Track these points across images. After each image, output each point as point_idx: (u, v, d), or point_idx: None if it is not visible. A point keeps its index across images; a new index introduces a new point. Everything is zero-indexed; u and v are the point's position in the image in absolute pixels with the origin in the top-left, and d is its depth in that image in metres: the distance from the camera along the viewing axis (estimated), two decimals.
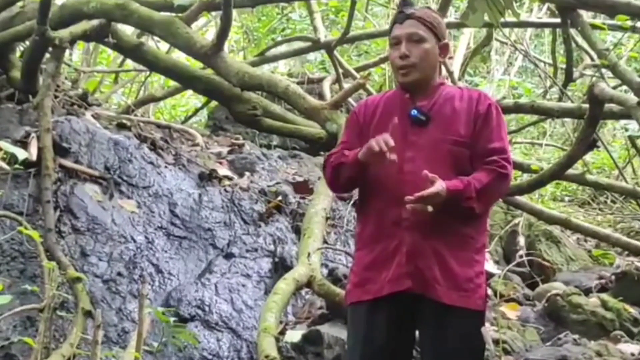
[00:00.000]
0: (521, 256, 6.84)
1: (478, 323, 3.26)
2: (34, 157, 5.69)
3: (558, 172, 5.99)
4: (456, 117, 3.27)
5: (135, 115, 8.48)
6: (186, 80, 7.47)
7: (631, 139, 8.97)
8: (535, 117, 9.40)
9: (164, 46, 9.54)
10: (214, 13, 9.45)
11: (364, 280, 3.29)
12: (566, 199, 10.09)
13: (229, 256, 5.98)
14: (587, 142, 5.44)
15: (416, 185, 3.14)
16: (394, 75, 3.51)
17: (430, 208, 3.07)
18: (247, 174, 7.02)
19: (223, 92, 7.05)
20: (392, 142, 3.09)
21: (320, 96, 8.66)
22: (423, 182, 3.11)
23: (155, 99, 10.19)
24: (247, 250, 6.06)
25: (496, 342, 4.71)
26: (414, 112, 3.28)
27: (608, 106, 5.40)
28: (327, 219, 5.75)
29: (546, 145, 10.62)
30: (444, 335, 3.18)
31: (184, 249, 5.95)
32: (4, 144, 5.17)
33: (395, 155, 3.11)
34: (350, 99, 7.59)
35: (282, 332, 4.96)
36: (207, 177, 6.55)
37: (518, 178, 8.46)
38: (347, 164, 3.29)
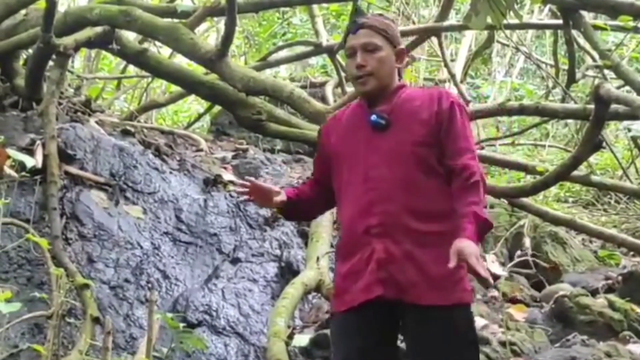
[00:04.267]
0: (519, 256, 6.85)
1: (465, 316, 3.23)
2: (39, 165, 5.69)
3: (563, 174, 5.99)
4: (416, 117, 3.28)
5: (139, 121, 8.49)
6: (190, 85, 7.46)
7: (634, 139, 8.96)
8: (537, 119, 9.39)
9: (165, 52, 9.53)
10: (216, 18, 9.45)
11: (341, 290, 3.31)
12: (570, 200, 10.08)
13: (235, 261, 5.98)
14: (592, 143, 5.43)
15: (382, 190, 3.20)
16: (353, 86, 3.54)
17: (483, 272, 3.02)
18: (252, 178, 7.01)
19: (227, 97, 7.04)
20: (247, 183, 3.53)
21: (323, 100, 8.66)
22: (391, 186, 3.18)
23: (158, 105, 10.19)
24: (253, 255, 6.06)
25: (504, 344, 4.72)
26: (373, 117, 3.30)
27: (613, 107, 5.38)
28: (334, 222, 5.75)
29: (549, 146, 10.61)
30: (428, 336, 3.16)
31: (190, 254, 5.95)
32: (11, 152, 5.17)
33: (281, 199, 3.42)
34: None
35: (290, 336, 4.96)
36: (212, 182, 6.55)
37: (522, 180, 8.47)
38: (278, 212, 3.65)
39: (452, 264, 3.00)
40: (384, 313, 3.21)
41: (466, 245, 3.01)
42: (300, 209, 3.59)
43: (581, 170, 7.16)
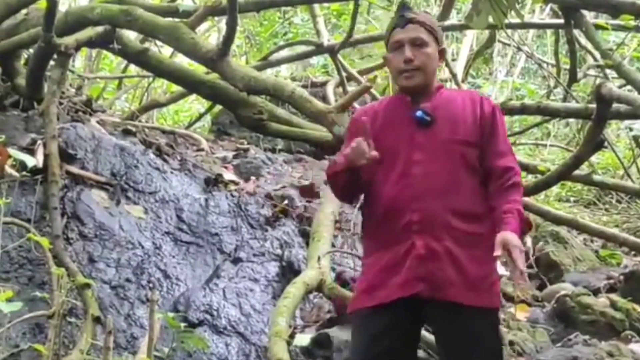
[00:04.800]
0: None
1: (494, 321, 3.29)
2: (40, 164, 5.69)
3: (565, 173, 5.99)
4: (461, 118, 3.31)
5: (140, 121, 8.49)
6: (191, 85, 7.46)
7: (636, 138, 8.96)
8: (538, 118, 9.39)
9: (166, 52, 9.53)
10: (217, 18, 9.45)
11: (372, 286, 3.27)
12: (571, 199, 10.07)
13: (236, 261, 5.97)
14: (594, 142, 5.44)
15: (426, 186, 3.18)
16: (394, 80, 3.53)
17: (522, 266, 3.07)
18: (253, 178, 7.03)
19: (229, 97, 7.03)
20: (364, 143, 3.13)
21: (324, 100, 8.65)
22: (434, 183, 3.16)
23: (159, 105, 10.18)
24: (255, 255, 6.05)
25: (506, 343, 4.71)
26: (419, 113, 3.30)
27: (615, 106, 5.39)
28: (335, 222, 5.74)
29: (551, 146, 10.62)
30: (461, 336, 3.17)
31: (192, 254, 5.94)
32: (12, 151, 5.17)
33: (376, 152, 3.13)
34: (355, 103, 7.58)
35: (291, 336, 4.95)
36: (213, 182, 6.55)
37: (524, 179, 8.45)
38: (340, 171, 3.30)
39: (497, 252, 3.04)
40: (413, 312, 3.21)
41: (512, 237, 3.08)
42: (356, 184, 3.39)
43: (583, 170, 7.17)
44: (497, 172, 3.27)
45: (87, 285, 4.99)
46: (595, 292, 5.78)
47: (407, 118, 3.31)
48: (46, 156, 5.76)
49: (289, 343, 4.48)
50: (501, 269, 3.17)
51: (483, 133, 3.31)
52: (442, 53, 3.44)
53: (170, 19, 7.02)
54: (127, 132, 7.05)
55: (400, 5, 3.48)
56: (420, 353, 4.46)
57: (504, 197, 3.22)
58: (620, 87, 7.47)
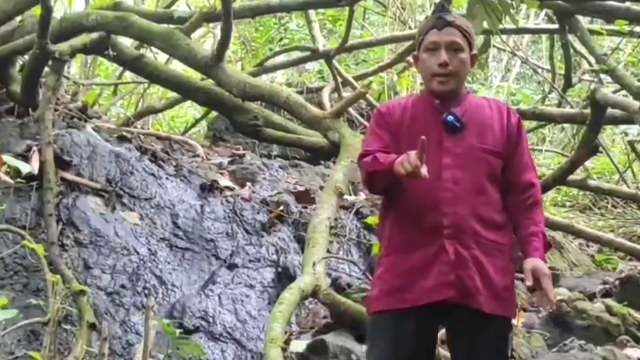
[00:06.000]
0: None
1: (510, 330, 3.29)
2: (35, 171, 5.67)
3: (560, 178, 6.00)
4: (489, 127, 3.28)
5: (135, 127, 8.48)
6: (187, 91, 7.47)
7: (631, 143, 8.99)
8: (534, 123, 9.40)
9: (161, 58, 9.54)
10: (212, 24, 9.45)
11: (398, 287, 3.20)
12: (567, 204, 10.09)
13: (232, 267, 5.97)
14: (589, 147, 5.45)
15: (455, 192, 3.16)
16: (424, 81, 3.43)
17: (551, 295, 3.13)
18: (249, 184, 7.02)
19: (224, 103, 7.04)
20: (418, 162, 2.99)
21: (320, 105, 8.65)
22: (463, 189, 3.15)
23: (154, 111, 10.19)
24: (250, 261, 6.04)
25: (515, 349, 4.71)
26: (450, 118, 3.24)
27: (609, 111, 5.41)
28: (330, 228, 5.73)
29: (546, 151, 10.63)
30: (480, 344, 3.16)
31: (187, 260, 5.94)
32: (7, 158, 5.16)
33: (426, 171, 3.04)
34: (350, 108, 7.60)
35: (287, 342, 4.94)
36: (209, 188, 6.54)
37: None
38: (382, 172, 3.19)
39: (528, 282, 3.07)
40: (437, 318, 3.20)
41: (541, 266, 3.11)
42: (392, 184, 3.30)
43: (578, 175, 7.18)
44: (521, 186, 3.26)
45: (83, 292, 4.98)
46: (591, 297, 5.77)
47: (436, 121, 3.26)
48: (41, 163, 5.75)
49: (284, 349, 4.46)
50: None
51: (508, 144, 3.28)
52: (474, 58, 3.38)
53: (165, 25, 7.04)
54: (122, 139, 7.04)
55: (439, 6, 3.44)
56: None
57: (528, 216, 3.22)
58: (615, 92, 7.49)
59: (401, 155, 3.08)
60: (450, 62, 3.24)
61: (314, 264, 4.99)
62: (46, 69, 6.80)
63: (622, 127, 8.03)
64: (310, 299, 5.30)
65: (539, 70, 10.43)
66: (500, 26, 6.08)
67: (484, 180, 3.20)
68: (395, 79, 10.84)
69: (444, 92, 3.28)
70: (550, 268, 6.58)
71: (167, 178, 6.45)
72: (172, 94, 9.48)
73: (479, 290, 3.12)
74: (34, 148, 5.96)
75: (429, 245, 3.16)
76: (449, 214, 3.15)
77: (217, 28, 9.24)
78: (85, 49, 6.98)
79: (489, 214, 3.19)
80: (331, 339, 4.82)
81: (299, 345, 4.89)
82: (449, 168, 3.19)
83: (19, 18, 7.41)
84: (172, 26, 6.94)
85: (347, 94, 8.66)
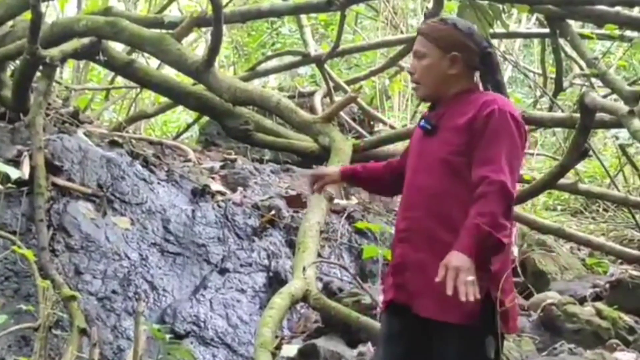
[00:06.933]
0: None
1: (469, 340, 3.06)
2: (26, 176, 5.66)
3: (551, 182, 6.01)
4: (454, 124, 3.18)
5: (127, 132, 8.47)
6: (178, 96, 7.47)
7: (622, 147, 9.01)
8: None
9: (153, 63, 9.53)
10: (204, 29, 9.46)
11: (383, 286, 3.45)
12: (558, 208, 10.11)
13: (223, 271, 5.97)
14: (579, 151, 5.47)
15: (417, 196, 3.23)
16: None
17: (469, 277, 2.88)
18: (240, 188, 7.01)
19: (215, 108, 7.05)
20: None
21: (312, 110, 8.67)
22: (422, 193, 3.19)
23: (146, 116, 10.17)
24: (242, 265, 6.05)
25: None
26: (422, 121, 3.34)
27: (599, 115, 5.42)
28: (321, 232, 5.75)
29: (537, 155, 10.64)
30: (437, 349, 3.13)
31: (178, 265, 5.93)
32: None
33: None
34: (341, 112, 7.61)
35: (278, 347, 4.94)
36: (200, 193, 6.53)
37: None
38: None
39: (438, 277, 2.90)
40: (414, 321, 3.16)
41: (453, 257, 2.91)
42: (365, 180, 3.78)
43: (569, 179, 7.20)
44: (474, 182, 3.04)
45: (73, 297, 4.97)
46: (582, 300, 5.79)
47: (419, 126, 3.37)
48: (32, 168, 5.74)
49: (275, 354, 4.47)
50: None
51: (472, 139, 3.10)
52: (453, 60, 3.25)
53: (156, 30, 7.04)
54: (114, 143, 7.02)
55: (427, 14, 3.55)
56: None
57: (471, 211, 2.99)
58: (605, 96, 7.52)
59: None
60: (415, 70, 3.34)
61: (304, 269, 5.00)
62: (37, 74, 6.80)
63: (613, 130, 8.05)
64: (302, 304, 5.32)
65: (530, 75, 10.45)
66: (491, 30, 6.11)
67: (447, 182, 3.14)
68: (387, 84, 10.86)
69: (420, 98, 3.47)
70: (541, 271, 6.67)
71: (158, 183, 6.44)
72: (164, 99, 9.47)
73: (418, 293, 3.12)
74: (25, 153, 5.95)
75: (394, 248, 3.32)
76: (407, 218, 3.25)
77: (208, 33, 9.24)
78: (76, 54, 6.98)
79: (450, 216, 3.11)
80: (322, 343, 4.83)
81: (290, 350, 4.90)
82: (417, 171, 3.26)
83: (10, 23, 7.40)
84: (162, 31, 6.94)
85: (339, 98, 8.65)
